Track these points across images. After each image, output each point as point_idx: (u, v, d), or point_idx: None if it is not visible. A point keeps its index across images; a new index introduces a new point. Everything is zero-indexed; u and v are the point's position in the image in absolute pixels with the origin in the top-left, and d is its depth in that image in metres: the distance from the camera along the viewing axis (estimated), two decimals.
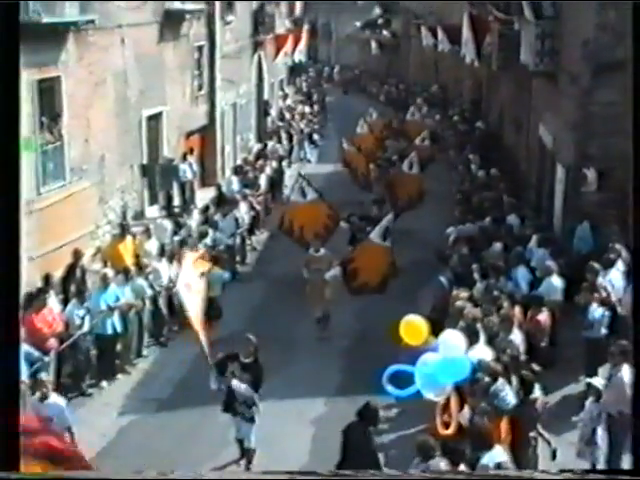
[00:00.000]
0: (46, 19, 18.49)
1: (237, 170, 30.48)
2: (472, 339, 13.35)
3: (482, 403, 11.85)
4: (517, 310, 15.23)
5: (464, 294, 16.30)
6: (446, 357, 12.05)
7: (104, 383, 16.51)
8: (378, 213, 24.84)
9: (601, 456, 12.35)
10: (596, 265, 16.08)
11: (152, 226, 21.90)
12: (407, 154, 29.84)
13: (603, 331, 15.06)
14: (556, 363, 15.18)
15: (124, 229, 20.56)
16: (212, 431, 14.12)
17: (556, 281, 16.51)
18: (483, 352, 13.24)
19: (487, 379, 12.24)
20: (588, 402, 12.49)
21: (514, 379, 12.43)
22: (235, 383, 12.88)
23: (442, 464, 10.45)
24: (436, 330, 12.97)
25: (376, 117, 39.14)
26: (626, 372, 12.18)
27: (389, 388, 12.04)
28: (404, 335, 12.77)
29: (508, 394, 11.76)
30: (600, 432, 12.25)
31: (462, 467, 10.75)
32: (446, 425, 12.05)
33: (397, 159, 30.97)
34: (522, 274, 17.70)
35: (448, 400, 12.28)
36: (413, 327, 12.85)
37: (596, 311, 15.16)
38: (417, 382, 11.86)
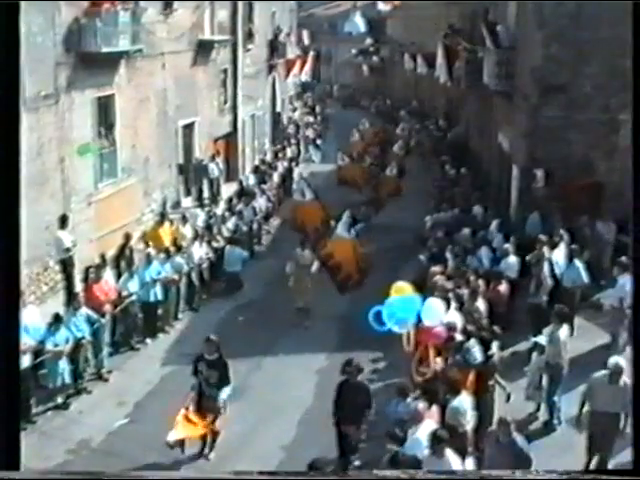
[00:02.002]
0: (104, 49, 18.72)
1: (255, 169, 30.56)
2: (445, 306, 13.49)
3: (455, 356, 11.98)
4: (481, 282, 15.29)
5: (439, 269, 16.45)
6: (402, 297, 12.52)
7: (148, 340, 16.66)
8: (366, 213, 24.75)
9: (544, 397, 12.49)
10: (543, 237, 16.26)
11: (187, 214, 22.02)
12: (387, 160, 29.91)
13: (545, 298, 15.17)
14: (511, 325, 15.28)
15: (164, 217, 20.64)
16: (234, 377, 14.00)
17: (512, 259, 16.55)
18: (454, 316, 13.39)
19: (461, 337, 12.36)
20: (534, 355, 12.63)
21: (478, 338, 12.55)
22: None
23: (420, 405, 10.55)
24: None
25: (368, 127, 39.10)
26: (563, 331, 12.31)
27: (375, 325, 12.38)
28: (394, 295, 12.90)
29: (477, 351, 11.80)
30: (544, 378, 12.40)
31: (435, 407, 10.88)
32: (422, 374, 12.22)
33: (380, 163, 30.88)
34: (485, 253, 17.82)
35: (424, 354, 12.48)
36: (401, 290, 12.98)
37: (542, 282, 15.27)
38: (384, 318, 12.24)
